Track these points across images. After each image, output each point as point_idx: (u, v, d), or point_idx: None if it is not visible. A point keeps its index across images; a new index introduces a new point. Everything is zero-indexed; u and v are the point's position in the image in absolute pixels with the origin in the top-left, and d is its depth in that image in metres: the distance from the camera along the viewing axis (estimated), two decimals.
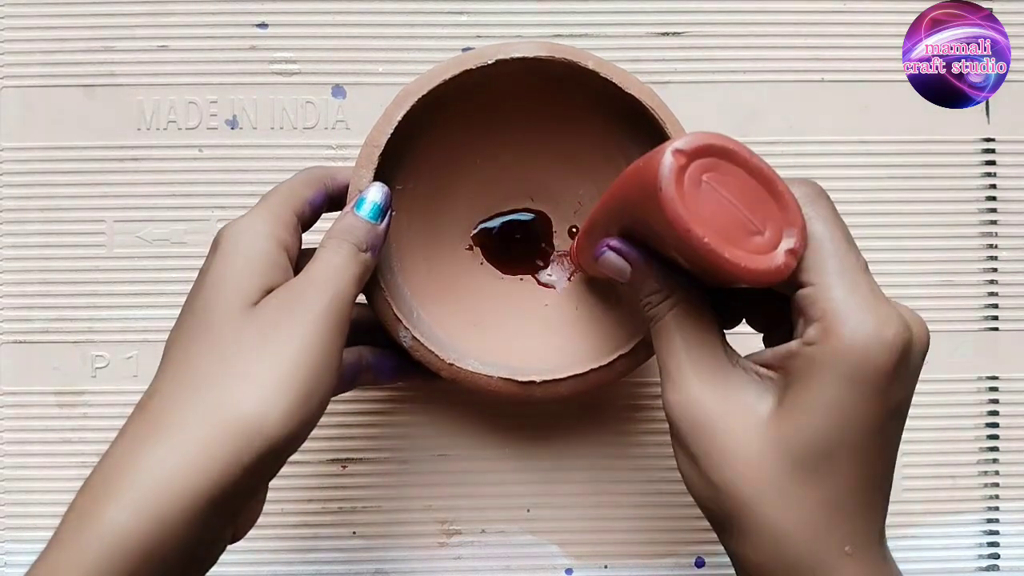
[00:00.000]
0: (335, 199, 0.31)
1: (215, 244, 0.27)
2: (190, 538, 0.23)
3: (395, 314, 0.31)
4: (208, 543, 0.25)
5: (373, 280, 0.31)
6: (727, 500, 0.24)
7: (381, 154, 0.30)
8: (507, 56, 0.30)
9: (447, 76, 0.31)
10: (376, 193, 0.30)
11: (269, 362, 0.25)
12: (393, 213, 0.31)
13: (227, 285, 0.26)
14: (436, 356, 0.32)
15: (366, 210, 0.29)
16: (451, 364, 0.32)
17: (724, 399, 0.25)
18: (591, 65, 0.31)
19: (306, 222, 0.30)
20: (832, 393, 0.23)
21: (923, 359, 0.24)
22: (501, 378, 0.32)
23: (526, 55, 0.30)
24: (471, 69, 0.31)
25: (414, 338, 0.31)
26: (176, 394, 0.25)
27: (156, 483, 0.23)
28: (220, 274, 0.26)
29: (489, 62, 0.30)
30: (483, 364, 0.32)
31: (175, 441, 0.24)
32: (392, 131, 0.30)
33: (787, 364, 0.24)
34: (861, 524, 0.24)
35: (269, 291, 0.27)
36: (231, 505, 0.24)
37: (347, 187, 0.31)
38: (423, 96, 0.31)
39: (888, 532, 0.26)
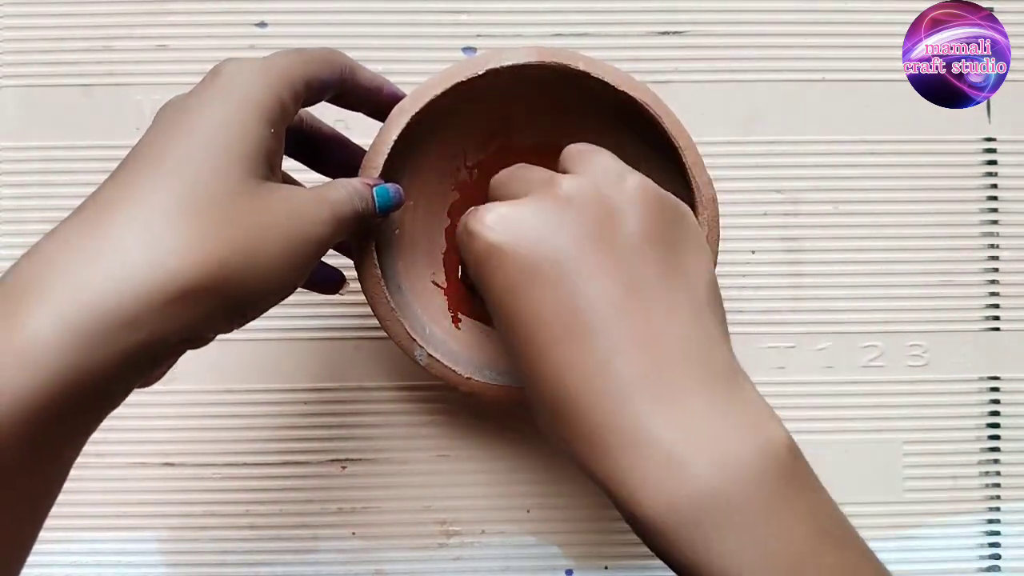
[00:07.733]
0: (347, 92, 0.29)
1: (215, 74, 0.24)
2: (114, 371, 0.21)
3: (409, 334, 0.31)
4: (126, 381, 0.22)
5: (383, 301, 0.31)
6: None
7: (379, 176, 0.30)
8: (497, 65, 0.30)
9: (437, 92, 0.30)
10: (391, 189, 0.29)
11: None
12: (408, 202, 0.30)
13: (232, 127, 0.23)
14: (453, 371, 0.31)
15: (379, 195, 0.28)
16: (468, 378, 0.31)
17: None
18: (582, 66, 0.30)
19: (308, 99, 0.27)
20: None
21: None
22: (521, 388, 0.31)
23: (516, 62, 0.30)
24: (461, 82, 0.30)
25: (430, 356, 0.31)
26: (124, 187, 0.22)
27: (82, 296, 0.20)
28: (224, 109, 0.23)
29: (479, 73, 0.30)
30: (499, 374, 0.32)
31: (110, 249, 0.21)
32: (388, 151, 0.30)
33: None
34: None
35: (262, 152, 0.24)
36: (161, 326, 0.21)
37: (362, 88, 0.29)
38: (416, 113, 0.30)
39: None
